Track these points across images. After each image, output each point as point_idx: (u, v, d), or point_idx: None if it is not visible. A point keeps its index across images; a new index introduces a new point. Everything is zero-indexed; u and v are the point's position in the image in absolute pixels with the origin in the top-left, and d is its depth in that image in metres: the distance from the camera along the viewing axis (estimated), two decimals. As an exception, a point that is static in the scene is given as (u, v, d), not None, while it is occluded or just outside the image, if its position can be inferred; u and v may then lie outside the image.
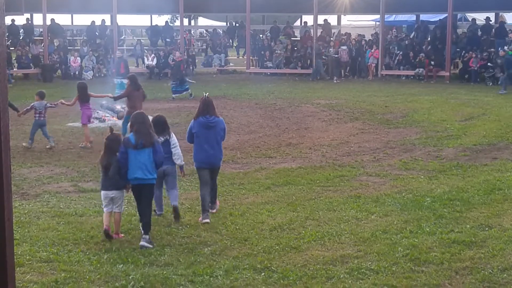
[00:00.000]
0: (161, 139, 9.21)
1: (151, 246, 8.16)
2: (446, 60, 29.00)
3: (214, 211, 9.78)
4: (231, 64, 35.00)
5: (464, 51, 29.99)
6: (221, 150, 9.80)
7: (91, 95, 15.17)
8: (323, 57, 31.17)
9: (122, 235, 8.64)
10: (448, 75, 28.73)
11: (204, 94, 9.96)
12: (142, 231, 8.36)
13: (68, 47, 33.04)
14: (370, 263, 7.46)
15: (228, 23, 38.70)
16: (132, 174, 8.41)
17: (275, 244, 8.17)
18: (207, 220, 9.22)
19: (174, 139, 9.59)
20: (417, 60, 29.63)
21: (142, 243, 8.22)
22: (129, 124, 9.07)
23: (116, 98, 16.04)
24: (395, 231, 8.59)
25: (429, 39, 31.57)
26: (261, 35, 36.23)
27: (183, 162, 9.70)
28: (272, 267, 7.39)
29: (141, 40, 35.08)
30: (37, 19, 33.57)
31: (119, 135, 9.09)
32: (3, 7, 2.36)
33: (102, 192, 8.70)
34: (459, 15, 35.98)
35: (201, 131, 9.51)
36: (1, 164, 2.42)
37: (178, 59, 25.08)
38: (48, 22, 31.99)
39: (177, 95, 23.34)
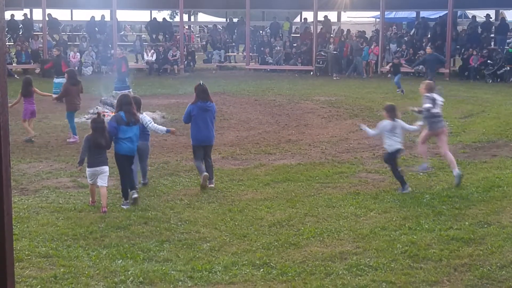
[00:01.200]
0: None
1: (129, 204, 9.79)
2: (446, 57, 28.98)
3: (213, 185, 11.04)
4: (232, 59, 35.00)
5: (464, 49, 29.97)
6: (214, 130, 11.39)
7: (35, 91, 15.14)
8: (322, 53, 31.14)
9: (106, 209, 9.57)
10: (447, 72, 28.72)
11: (200, 82, 11.29)
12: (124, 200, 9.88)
13: (68, 43, 32.99)
14: (369, 259, 7.47)
15: (227, 19, 38.66)
16: (123, 144, 9.87)
17: (274, 241, 8.18)
18: (206, 173, 10.83)
19: (145, 118, 10.71)
20: (416, 56, 29.61)
21: (127, 206, 9.74)
22: (116, 104, 10.54)
23: (57, 98, 15.72)
24: (394, 227, 8.60)
25: (429, 36, 31.55)
26: (261, 31, 36.22)
27: (165, 128, 11.06)
28: (271, 263, 7.40)
29: (141, 36, 35.05)
30: (37, 14, 33.56)
31: (103, 119, 10.11)
32: (3, 2, 2.35)
33: (90, 169, 9.72)
34: (459, 12, 35.96)
35: (199, 114, 10.99)
36: (0, 159, 2.42)
37: (119, 56, 22.86)
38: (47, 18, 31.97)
39: (116, 92, 20.12)
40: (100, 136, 9.70)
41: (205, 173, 10.83)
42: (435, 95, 11.73)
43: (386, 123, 10.77)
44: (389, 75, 26.03)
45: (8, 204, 2.49)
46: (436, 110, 11.55)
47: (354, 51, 30.85)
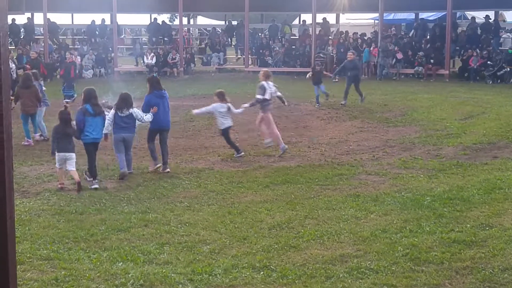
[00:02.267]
0: (126, 113, 11.78)
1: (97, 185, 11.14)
2: (446, 59, 29.01)
3: (168, 170, 12.21)
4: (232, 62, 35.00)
5: (463, 50, 29.99)
6: (169, 115, 12.82)
7: None
8: (321, 55, 31.14)
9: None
10: (447, 74, 28.76)
11: (153, 74, 12.75)
12: (91, 178, 11.33)
13: (69, 46, 33.03)
14: (369, 262, 7.45)
15: (227, 22, 38.67)
16: (90, 134, 11.40)
17: (274, 243, 8.16)
18: (160, 165, 12.27)
19: (138, 113, 11.95)
20: (416, 58, 29.65)
21: (95, 186, 11.11)
22: (82, 97, 11.87)
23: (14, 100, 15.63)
24: (395, 230, 8.58)
25: (428, 37, 31.57)
26: (259, 34, 36.24)
27: (150, 114, 12.15)
28: (271, 266, 7.39)
29: (141, 39, 35.07)
30: (37, 18, 33.58)
31: (69, 111, 11.55)
32: (6, 7, 2.36)
33: (60, 154, 11.10)
34: (458, 13, 35.99)
35: (156, 101, 12.35)
36: (3, 162, 2.42)
37: (69, 61, 22.86)
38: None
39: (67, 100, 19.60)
40: (66, 126, 11.19)
41: (156, 162, 12.42)
42: (267, 84, 14.07)
43: (219, 105, 13.49)
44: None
45: (11, 207, 2.49)
46: (267, 96, 13.97)
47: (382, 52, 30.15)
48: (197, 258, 7.66)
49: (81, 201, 10.24)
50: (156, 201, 10.26)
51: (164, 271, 7.22)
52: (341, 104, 21.04)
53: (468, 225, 8.71)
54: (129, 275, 7.09)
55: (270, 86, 14.15)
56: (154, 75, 12.96)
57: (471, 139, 14.92)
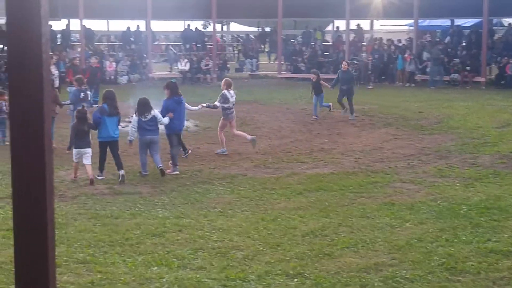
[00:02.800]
0: (148, 117, 12.35)
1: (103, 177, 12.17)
2: (482, 66, 28.66)
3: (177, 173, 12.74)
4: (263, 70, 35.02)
5: (500, 57, 29.59)
6: (184, 121, 13.88)
7: None
8: (355, 62, 31.03)
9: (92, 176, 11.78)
10: (484, 81, 28.40)
11: (172, 80, 13.76)
12: (120, 169, 12.06)
13: (104, 53, 33.41)
14: (405, 271, 7.37)
15: (260, 28, 38.76)
16: (106, 133, 12.20)
17: (308, 250, 8.12)
18: (177, 172, 12.72)
19: (158, 114, 12.58)
20: (451, 65, 29.34)
21: (102, 177, 12.15)
22: (103, 98, 12.84)
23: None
24: (431, 239, 8.47)
25: (464, 44, 31.23)
26: (292, 40, 36.24)
27: (167, 118, 12.79)
28: (305, 274, 7.35)
29: (174, 45, 35.35)
30: (74, 25, 34.09)
31: (86, 110, 12.47)
32: (47, 16, 2.39)
33: (76, 149, 11.96)
34: (494, 20, 35.52)
35: (174, 107, 13.00)
36: (44, 167, 2.45)
37: (95, 66, 23.14)
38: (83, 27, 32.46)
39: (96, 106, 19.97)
40: (83, 124, 12.01)
41: (177, 171, 12.76)
42: (229, 92, 14.72)
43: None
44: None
45: (51, 210, 2.52)
46: (228, 105, 14.60)
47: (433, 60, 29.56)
48: (231, 264, 7.66)
49: (116, 205, 10.32)
50: (190, 207, 10.29)
51: (198, 276, 7.24)
52: (312, 118, 19.73)
53: (506, 235, 8.57)
54: (164, 280, 7.13)
55: (232, 95, 14.82)
56: (173, 80, 13.84)
57: (508, 147, 14.69)
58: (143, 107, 12.43)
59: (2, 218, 9.37)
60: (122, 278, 7.17)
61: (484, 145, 15.09)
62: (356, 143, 15.93)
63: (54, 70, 21.45)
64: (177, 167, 12.82)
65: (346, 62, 21.90)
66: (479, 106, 21.55)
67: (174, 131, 13.08)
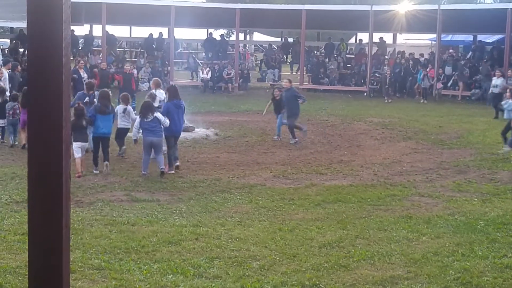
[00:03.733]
0: (150, 118, 12.95)
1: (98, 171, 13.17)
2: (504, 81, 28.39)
3: (173, 172, 13.31)
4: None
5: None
6: (182, 124, 14.28)
7: None
8: (377, 75, 30.95)
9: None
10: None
11: (171, 83, 13.77)
12: (105, 161, 13.29)
13: (127, 59, 33.62)
14: (420, 285, 7.35)
15: (283, 39, 38.82)
16: (97, 129, 13.39)
17: (324, 262, 8.12)
18: (173, 172, 13.34)
19: (161, 116, 13.10)
20: (473, 80, 29.12)
21: (96, 172, 13.14)
22: (98, 97, 14.19)
23: None
24: (447, 253, 8.44)
25: (485, 59, 31.02)
26: (315, 51, 36.24)
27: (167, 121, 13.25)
28: (321, 285, 7.35)
29: (197, 53, 35.49)
30: (96, 30, 34.38)
31: (83, 107, 13.38)
32: (69, 19, 2.43)
33: (77, 143, 12.80)
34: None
35: (173, 110, 13.53)
36: (61, 172, 2.48)
37: (129, 72, 22.50)
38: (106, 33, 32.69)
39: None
40: (80, 120, 12.91)
41: (173, 171, 13.38)
42: (157, 91, 15.59)
43: (120, 107, 14.62)
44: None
45: (67, 216, 2.54)
46: (156, 104, 14.69)
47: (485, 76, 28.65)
48: (247, 274, 7.67)
49: (133, 212, 10.38)
50: (207, 215, 10.32)
51: (213, 285, 7.25)
52: (274, 138, 18.00)
53: (522, 252, 8.51)
54: (179, 288, 7.15)
55: (161, 94, 15.64)
56: (173, 84, 14.92)
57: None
58: (146, 109, 13.08)
59: (18, 223, 9.45)
60: (137, 286, 7.21)
61: (502, 161, 14.97)
62: (375, 155, 15.89)
63: (83, 74, 21.69)
64: (177, 164, 13.65)
65: (287, 79, 19.57)
66: (499, 122, 21.33)
67: (171, 132, 13.52)
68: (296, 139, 17.47)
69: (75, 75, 20.19)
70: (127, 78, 21.47)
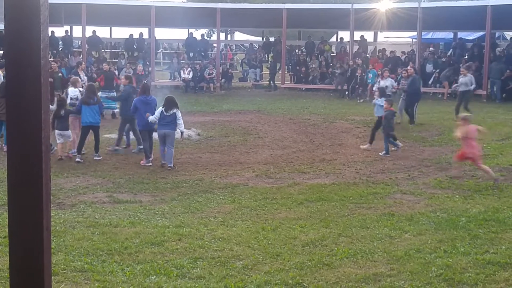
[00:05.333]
0: (170, 112, 13.84)
1: (80, 160, 14.51)
2: (484, 79, 28.63)
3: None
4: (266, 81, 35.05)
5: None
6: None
7: None
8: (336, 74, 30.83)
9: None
10: (485, 94, 28.36)
11: (144, 81, 15.69)
12: (78, 154, 14.61)
13: (108, 59, 33.42)
14: (403, 282, 7.39)
15: (264, 38, 38.82)
16: (85, 118, 14.58)
17: (307, 260, 8.14)
18: (151, 164, 14.21)
19: (179, 114, 14.04)
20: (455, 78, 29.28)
21: (78, 159, 14.45)
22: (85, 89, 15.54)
23: None
24: (429, 250, 8.50)
25: (466, 57, 31.22)
26: (296, 50, 36.29)
27: (184, 130, 14.57)
28: (304, 283, 7.37)
29: (178, 54, 35.36)
30: (76, 31, 34.15)
31: (64, 98, 15.50)
32: (47, 20, 2.41)
33: (60, 132, 14.39)
34: (497, 34, 35.55)
35: (141, 106, 14.41)
36: (41, 174, 2.47)
37: (142, 73, 23.42)
38: (89, 34, 32.44)
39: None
40: (60, 110, 14.48)
41: (149, 160, 14.32)
42: (70, 90, 16.56)
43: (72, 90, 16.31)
44: None
45: (48, 218, 2.53)
46: (68, 101, 15.79)
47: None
48: (230, 274, 7.68)
49: (115, 214, 10.34)
50: (190, 216, 10.31)
51: (197, 285, 7.25)
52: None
53: (503, 247, 8.59)
54: (162, 289, 7.13)
55: (73, 92, 16.41)
56: (145, 81, 16.87)
57: (508, 160, 14.73)
58: (170, 103, 13.98)
59: (0, 226, 9.39)
60: (121, 287, 7.18)
61: (483, 157, 15.02)
62: (357, 154, 15.95)
63: (83, 76, 21.66)
64: (150, 159, 14.31)
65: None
66: (480, 119, 21.41)
67: (143, 127, 14.42)
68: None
69: (51, 79, 20.08)
70: (109, 76, 21.50)
